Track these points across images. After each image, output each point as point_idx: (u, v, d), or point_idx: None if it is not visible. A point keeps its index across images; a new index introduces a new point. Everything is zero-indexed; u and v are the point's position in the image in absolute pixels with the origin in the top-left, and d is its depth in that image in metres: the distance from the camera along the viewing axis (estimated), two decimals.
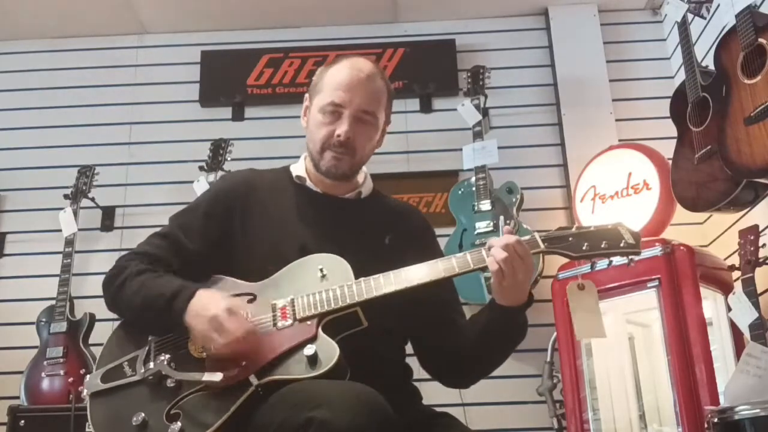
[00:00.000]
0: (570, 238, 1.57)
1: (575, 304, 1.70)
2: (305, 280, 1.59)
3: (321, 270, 1.59)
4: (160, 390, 1.50)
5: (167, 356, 1.53)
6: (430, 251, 1.81)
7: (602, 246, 1.55)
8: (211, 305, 1.51)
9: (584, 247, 1.56)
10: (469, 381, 1.81)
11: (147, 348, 1.57)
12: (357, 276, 1.56)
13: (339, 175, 1.74)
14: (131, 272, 1.64)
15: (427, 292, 1.57)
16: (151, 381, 1.51)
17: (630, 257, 1.56)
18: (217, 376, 1.46)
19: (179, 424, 1.43)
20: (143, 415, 1.46)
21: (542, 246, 1.56)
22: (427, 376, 1.80)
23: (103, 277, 1.71)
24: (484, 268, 1.55)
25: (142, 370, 1.53)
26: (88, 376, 1.60)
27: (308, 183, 1.79)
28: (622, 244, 1.55)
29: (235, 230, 1.71)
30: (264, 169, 1.88)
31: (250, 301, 1.60)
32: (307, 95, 1.82)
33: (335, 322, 1.53)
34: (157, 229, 1.78)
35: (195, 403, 1.46)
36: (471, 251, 1.56)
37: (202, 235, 1.71)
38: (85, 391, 1.56)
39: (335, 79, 1.72)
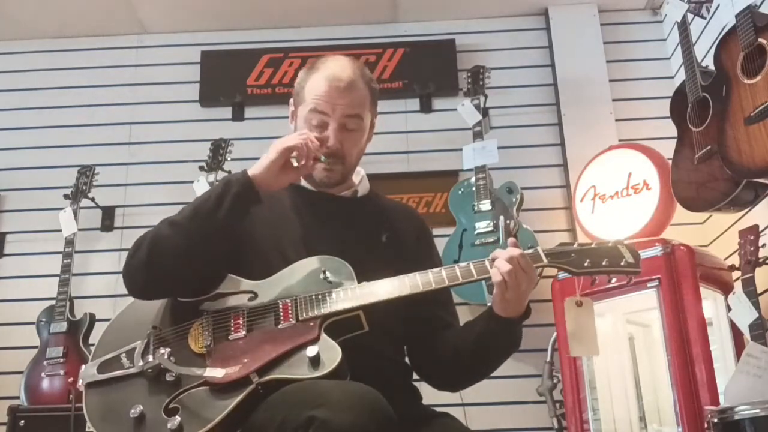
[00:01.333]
0: (572, 254, 1.61)
1: (572, 321, 1.74)
2: (308, 281, 1.59)
3: (324, 272, 1.59)
4: (159, 383, 1.49)
5: (167, 350, 1.52)
6: (427, 250, 1.83)
7: (603, 264, 1.60)
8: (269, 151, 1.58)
9: (586, 264, 1.60)
10: (459, 386, 1.82)
11: (146, 340, 1.57)
12: (356, 273, 1.57)
13: (332, 184, 1.76)
14: (156, 227, 1.62)
15: (425, 294, 1.57)
16: (150, 374, 1.51)
17: (630, 276, 1.61)
18: (218, 372, 1.46)
19: (178, 418, 1.42)
20: (141, 407, 1.45)
21: (545, 260, 1.59)
22: None
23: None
24: (487, 279, 1.57)
25: (141, 363, 1.53)
26: (83, 366, 1.59)
27: (303, 182, 1.80)
28: (622, 263, 1.60)
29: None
30: None
31: (251, 299, 1.60)
32: (292, 100, 1.82)
33: (336, 324, 1.53)
34: None
35: (194, 398, 1.45)
36: (475, 261, 1.59)
37: None
38: (81, 381, 1.56)
39: (316, 88, 1.71)
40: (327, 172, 1.73)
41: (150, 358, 1.52)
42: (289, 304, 1.55)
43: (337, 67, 1.73)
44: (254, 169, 1.59)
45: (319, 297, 1.54)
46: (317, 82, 1.72)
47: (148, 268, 1.58)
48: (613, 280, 1.64)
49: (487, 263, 1.57)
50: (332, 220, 1.75)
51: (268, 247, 1.68)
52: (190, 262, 1.58)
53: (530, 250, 1.59)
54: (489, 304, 1.65)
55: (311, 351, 1.44)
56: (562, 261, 1.60)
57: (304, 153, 1.59)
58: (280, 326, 1.53)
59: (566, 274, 2.88)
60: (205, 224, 1.57)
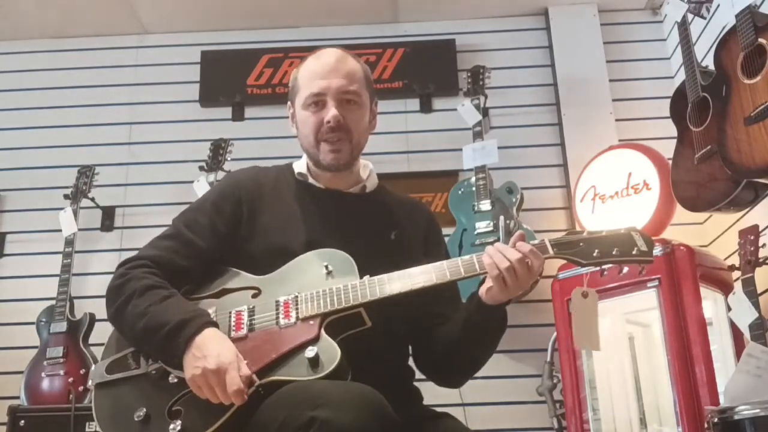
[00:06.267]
0: (580, 244, 1.54)
1: (576, 312, 1.68)
2: (310, 276, 1.58)
3: (327, 267, 1.58)
4: (163, 386, 1.50)
5: None
6: (435, 247, 1.81)
7: (613, 253, 1.52)
8: (206, 357, 1.43)
9: (595, 254, 1.52)
10: (456, 379, 1.79)
11: None
12: (361, 271, 1.55)
13: (342, 165, 1.72)
14: (137, 288, 1.56)
15: (428, 290, 1.55)
16: (154, 376, 1.52)
17: (642, 266, 1.53)
18: None
19: (180, 421, 1.43)
20: (145, 410, 1.46)
21: (551, 252, 1.53)
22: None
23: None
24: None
25: (146, 364, 1.54)
26: (94, 365, 1.60)
27: (310, 180, 1.78)
28: (634, 252, 1.51)
29: (242, 225, 1.70)
30: (268, 166, 1.88)
31: (254, 296, 1.59)
32: (288, 102, 1.81)
33: (338, 321, 1.52)
34: (160, 231, 1.74)
35: (197, 400, 1.45)
36: (479, 254, 1.54)
37: (212, 230, 1.68)
38: (90, 380, 1.56)
39: (308, 73, 1.72)
40: (334, 152, 1.69)
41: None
42: (290, 302, 1.54)
43: (325, 51, 1.75)
44: (189, 359, 1.46)
45: (320, 294, 1.53)
46: (308, 68, 1.73)
47: (114, 325, 1.62)
48: (625, 269, 1.55)
49: (496, 258, 1.51)
50: (340, 218, 1.73)
51: (275, 245, 1.66)
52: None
53: (536, 241, 1.54)
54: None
55: (310, 352, 1.43)
56: (569, 252, 1.53)
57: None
58: (280, 325, 1.52)
59: (566, 274, 2.89)
60: (147, 350, 1.56)
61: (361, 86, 1.73)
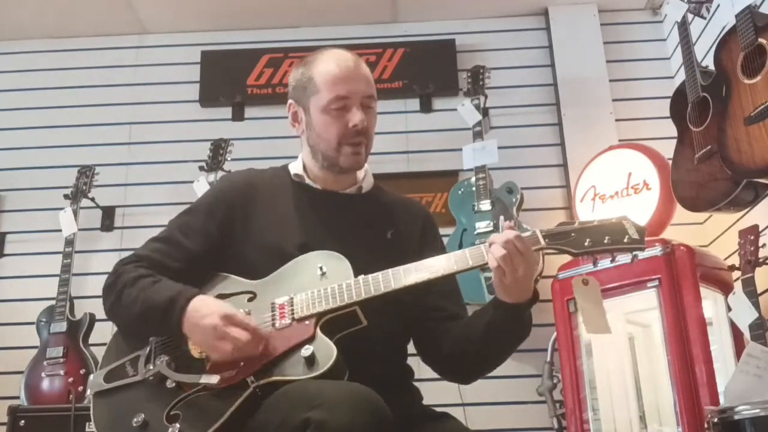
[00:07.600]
0: (572, 234, 1.52)
1: (581, 300, 1.66)
2: (305, 278, 1.58)
3: (321, 268, 1.58)
4: (161, 391, 1.50)
5: (167, 357, 1.53)
6: (432, 244, 1.81)
7: (605, 241, 1.50)
8: (207, 315, 1.49)
9: (586, 243, 1.50)
10: (472, 377, 1.78)
11: (149, 347, 1.57)
12: (358, 272, 1.55)
13: (359, 167, 1.75)
14: (127, 280, 1.61)
15: (422, 285, 1.54)
16: (151, 381, 1.52)
17: (634, 253, 1.52)
18: (214, 379, 1.46)
19: (178, 425, 1.43)
20: (143, 416, 1.46)
21: (543, 242, 1.51)
22: (427, 376, 1.80)
23: (103, 277, 1.71)
24: (484, 266, 1.52)
25: (144, 371, 1.54)
26: (91, 375, 1.60)
27: (307, 180, 1.78)
28: (625, 240, 1.50)
29: (236, 228, 1.70)
30: (263, 168, 1.88)
31: (249, 300, 1.60)
32: (291, 101, 1.78)
33: (334, 321, 1.52)
34: (156, 233, 1.76)
35: (194, 404, 1.46)
36: (470, 248, 1.53)
37: (204, 234, 1.69)
38: (89, 390, 1.57)
39: (329, 76, 1.69)
40: (355, 155, 1.70)
41: (151, 365, 1.53)
42: (286, 304, 1.55)
43: (339, 54, 1.73)
44: (188, 327, 1.52)
45: (315, 294, 1.53)
46: (328, 70, 1.69)
47: (111, 319, 1.69)
48: (619, 259, 1.54)
49: (482, 249, 1.51)
50: (336, 219, 1.73)
51: (270, 247, 1.66)
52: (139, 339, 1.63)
53: (528, 233, 1.52)
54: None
55: (306, 351, 1.43)
56: (561, 242, 1.51)
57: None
58: (276, 326, 1.52)
59: (567, 273, 2.89)
60: (146, 332, 1.62)
61: (375, 91, 1.75)
